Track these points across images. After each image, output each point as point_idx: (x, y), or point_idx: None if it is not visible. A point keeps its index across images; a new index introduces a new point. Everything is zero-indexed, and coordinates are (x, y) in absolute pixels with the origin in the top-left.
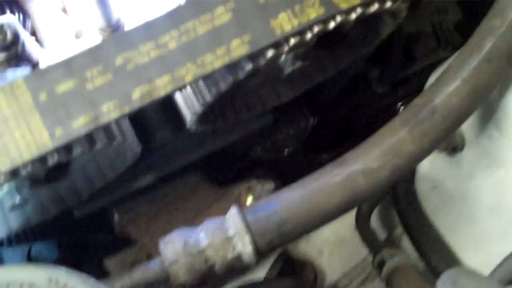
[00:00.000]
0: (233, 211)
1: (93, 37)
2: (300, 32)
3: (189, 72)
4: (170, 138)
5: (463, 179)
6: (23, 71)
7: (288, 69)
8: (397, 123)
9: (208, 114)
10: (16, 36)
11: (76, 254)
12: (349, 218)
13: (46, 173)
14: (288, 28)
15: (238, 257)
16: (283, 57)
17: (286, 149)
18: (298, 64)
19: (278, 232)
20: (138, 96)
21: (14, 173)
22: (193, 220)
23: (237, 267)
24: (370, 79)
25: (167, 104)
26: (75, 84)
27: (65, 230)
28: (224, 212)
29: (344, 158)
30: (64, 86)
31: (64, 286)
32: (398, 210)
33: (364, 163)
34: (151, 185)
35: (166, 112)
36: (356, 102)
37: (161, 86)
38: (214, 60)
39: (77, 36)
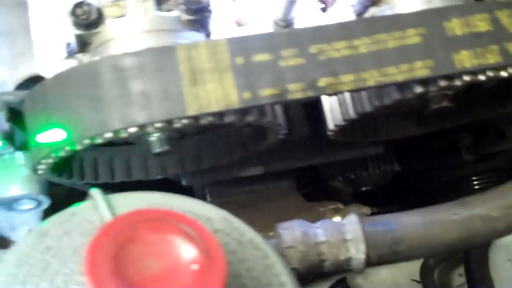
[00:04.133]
0: (353, 218)
1: (259, 27)
2: (476, 72)
3: (372, 77)
4: (303, 137)
5: None
6: (201, 37)
7: (434, 106)
8: None
9: (347, 128)
10: (207, 3)
11: None
12: (408, 267)
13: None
14: (467, 65)
15: (348, 261)
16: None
17: (363, 188)
18: (445, 103)
19: (390, 249)
20: (323, 85)
21: (196, 120)
22: (274, 223)
23: (343, 269)
24: (461, 145)
25: (313, 104)
26: (271, 58)
27: None
28: None
29: (466, 200)
30: (261, 57)
31: (236, 227)
32: (467, 272)
33: (485, 210)
34: (249, 179)
35: (310, 112)
36: (439, 163)
37: (345, 82)
38: (397, 74)
39: (238, 24)
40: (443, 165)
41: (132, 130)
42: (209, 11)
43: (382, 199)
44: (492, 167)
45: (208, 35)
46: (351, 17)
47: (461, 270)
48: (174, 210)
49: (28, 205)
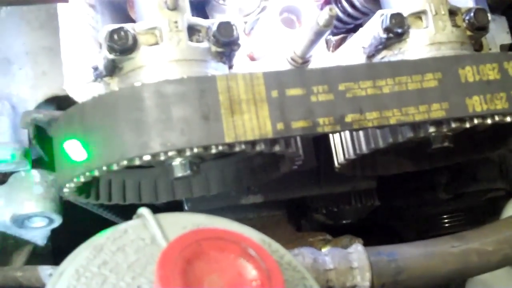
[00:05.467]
0: (359, 247)
1: (275, 63)
2: (485, 117)
3: (394, 116)
4: (309, 169)
5: None
6: (225, 68)
7: (436, 145)
8: None
9: (352, 163)
10: (237, 37)
11: None
12: None
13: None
14: (478, 109)
15: None
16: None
17: (343, 221)
18: (446, 143)
19: (393, 278)
20: (349, 120)
21: (231, 147)
22: None
23: None
24: (437, 184)
25: (321, 138)
26: (303, 92)
27: None
28: None
29: (464, 234)
30: (294, 91)
31: (276, 250)
32: None
33: (481, 244)
34: (244, 205)
35: (319, 144)
36: (415, 200)
37: (370, 119)
38: (416, 114)
39: (251, 58)
40: (419, 202)
41: (171, 153)
42: (238, 45)
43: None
44: (463, 206)
45: (231, 67)
46: (361, 58)
47: None
48: None
49: (40, 222)
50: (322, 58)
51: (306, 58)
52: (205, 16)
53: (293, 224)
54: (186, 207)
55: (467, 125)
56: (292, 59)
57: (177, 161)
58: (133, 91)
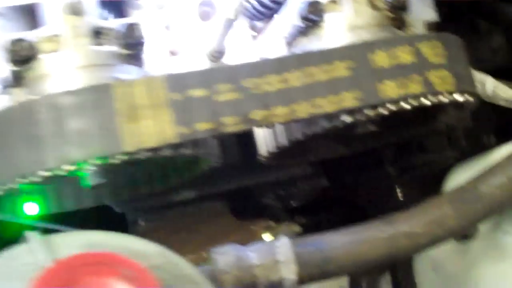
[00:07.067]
0: (284, 240)
1: (193, 58)
2: (400, 101)
3: (303, 109)
4: (235, 162)
5: (467, 266)
6: (135, 70)
7: (360, 130)
8: (444, 200)
9: (278, 153)
10: (142, 37)
11: None
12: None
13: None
14: (392, 95)
15: (281, 282)
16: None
17: (293, 203)
18: (371, 127)
19: (320, 268)
20: (256, 118)
21: (132, 155)
22: (207, 244)
23: None
24: (383, 158)
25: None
26: (207, 93)
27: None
28: (238, 244)
29: (392, 218)
30: (197, 92)
31: (176, 264)
32: (393, 281)
33: (410, 227)
34: (182, 202)
35: (242, 138)
36: (363, 176)
37: (278, 114)
38: (327, 105)
39: (172, 53)
40: (369, 177)
41: (68, 168)
42: (143, 45)
43: (313, 211)
44: (414, 178)
45: (141, 66)
46: (282, 45)
47: (388, 278)
48: (113, 249)
49: None
50: (245, 47)
51: (222, 51)
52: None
53: (237, 214)
54: (117, 209)
55: (383, 111)
56: (210, 54)
57: (89, 171)
58: (26, 106)
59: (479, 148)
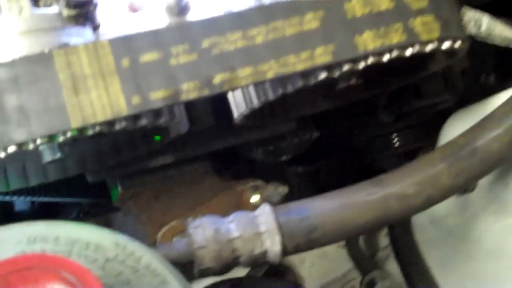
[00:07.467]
0: (266, 208)
1: (154, 14)
2: (380, 53)
3: (271, 69)
4: (211, 126)
5: (466, 219)
6: (87, 32)
7: (342, 84)
8: (437, 156)
9: (254, 113)
10: None
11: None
12: None
13: None
14: (370, 47)
15: (264, 254)
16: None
17: (284, 156)
18: (353, 81)
19: (306, 237)
20: (219, 81)
21: (81, 131)
22: (191, 208)
23: (259, 262)
24: (377, 106)
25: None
26: (160, 56)
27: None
28: (224, 206)
29: (381, 178)
30: (148, 57)
31: (131, 253)
32: (391, 235)
33: (401, 188)
34: (161, 166)
35: (214, 100)
36: (357, 124)
37: (243, 76)
38: (297, 62)
39: (131, 9)
40: (362, 125)
41: (11, 150)
42: (94, 4)
43: (309, 160)
44: (410, 125)
45: (96, 27)
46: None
47: (385, 231)
48: (61, 243)
49: None
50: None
51: (184, 6)
52: None
53: (222, 174)
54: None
55: (361, 65)
56: (169, 8)
57: (44, 146)
58: None
59: (478, 89)
